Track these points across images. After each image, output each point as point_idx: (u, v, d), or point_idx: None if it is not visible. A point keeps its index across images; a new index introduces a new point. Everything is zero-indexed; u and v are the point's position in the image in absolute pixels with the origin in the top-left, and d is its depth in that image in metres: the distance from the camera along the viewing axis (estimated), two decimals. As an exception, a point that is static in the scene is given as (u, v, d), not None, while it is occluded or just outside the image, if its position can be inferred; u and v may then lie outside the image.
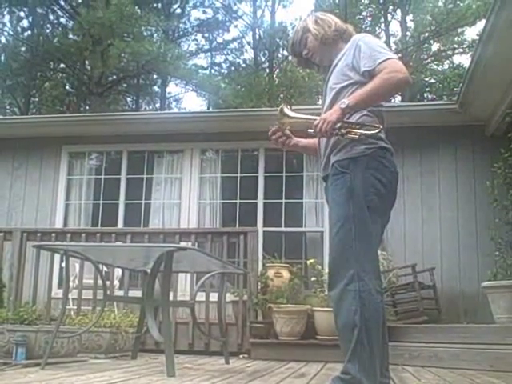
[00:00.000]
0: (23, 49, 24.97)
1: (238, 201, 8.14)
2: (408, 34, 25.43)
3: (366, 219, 2.45)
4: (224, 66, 28.32)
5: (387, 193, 2.53)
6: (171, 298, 5.25)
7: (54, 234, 6.39)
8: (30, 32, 25.58)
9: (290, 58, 27.58)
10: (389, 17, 26.22)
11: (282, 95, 23.68)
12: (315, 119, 2.60)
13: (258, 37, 27.03)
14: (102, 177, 8.62)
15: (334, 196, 2.55)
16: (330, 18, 2.85)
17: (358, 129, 2.53)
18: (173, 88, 29.36)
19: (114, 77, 25.22)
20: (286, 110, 2.74)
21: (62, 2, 24.96)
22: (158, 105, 27.22)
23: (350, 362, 2.34)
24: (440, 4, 24.38)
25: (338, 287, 2.42)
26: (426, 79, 25.16)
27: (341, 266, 2.43)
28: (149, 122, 8.49)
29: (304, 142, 2.93)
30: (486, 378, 4.00)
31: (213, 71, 27.73)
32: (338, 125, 2.51)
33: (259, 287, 6.21)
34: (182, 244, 5.90)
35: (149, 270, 4.24)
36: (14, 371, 3.66)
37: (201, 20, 26.94)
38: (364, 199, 2.45)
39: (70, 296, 6.08)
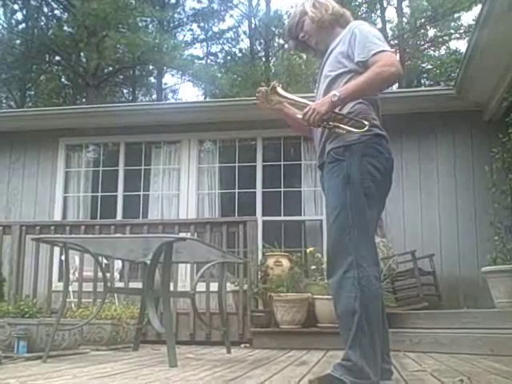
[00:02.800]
0: (18, 42, 24.84)
1: (236, 190, 8.14)
2: (404, 20, 25.34)
3: (363, 206, 2.45)
4: (220, 55, 28.25)
5: (383, 179, 2.53)
6: (171, 288, 5.26)
7: (53, 227, 6.38)
8: (24, 25, 25.48)
9: (285, 46, 27.50)
10: (384, 3, 26.09)
11: (278, 82, 23.56)
12: (305, 103, 2.59)
13: (253, 26, 26.93)
14: (100, 169, 8.61)
15: (331, 184, 2.55)
16: (328, 1, 2.85)
17: (347, 122, 2.53)
18: (169, 79, 29.34)
19: (110, 68, 25.10)
20: (279, 89, 2.74)
21: (56, -6, 24.83)
22: (154, 96, 27.14)
23: (350, 349, 2.34)
24: (436, -11, 24.29)
25: (337, 274, 2.42)
26: (423, 65, 25.12)
27: (339, 254, 2.44)
28: (146, 113, 8.47)
29: (294, 114, 2.83)
30: (487, 362, 4.01)
31: (209, 61, 27.66)
32: (327, 115, 2.51)
33: (259, 276, 6.22)
34: (182, 235, 5.90)
35: (149, 262, 4.24)
36: (16, 365, 3.66)
37: (196, 10, 26.80)
38: (361, 186, 2.45)
39: (70, 289, 6.09)
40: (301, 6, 2.88)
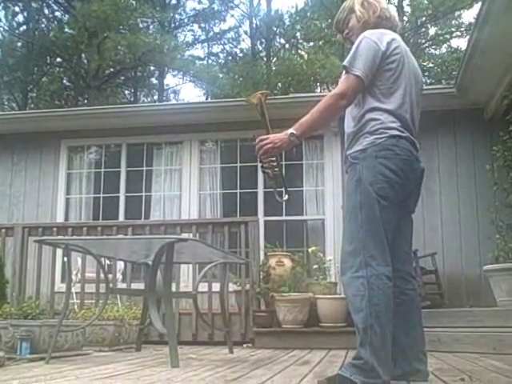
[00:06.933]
0: (19, 44, 24.90)
1: (238, 191, 8.14)
2: (405, 18, 25.32)
3: (373, 207, 2.44)
4: (221, 55, 28.22)
5: (400, 180, 2.49)
6: (173, 289, 5.26)
7: (55, 229, 6.40)
8: (25, 27, 25.51)
9: (286, 46, 27.52)
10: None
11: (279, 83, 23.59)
12: (268, 129, 2.80)
13: (254, 26, 26.92)
14: (102, 170, 8.61)
15: (347, 186, 2.60)
16: (378, 2, 2.78)
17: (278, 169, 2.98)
18: (170, 79, 29.37)
19: (111, 70, 25.13)
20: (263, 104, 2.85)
21: (57, -4, 24.87)
22: (155, 97, 27.16)
23: (361, 347, 2.34)
24: (436, -13, 24.26)
25: (348, 274, 2.45)
26: (424, 64, 25.06)
27: (350, 254, 2.47)
28: (147, 114, 8.47)
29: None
30: (489, 360, 4.02)
31: (210, 61, 27.65)
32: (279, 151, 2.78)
33: (261, 276, 6.23)
34: (183, 235, 5.91)
35: (151, 262, 4.25)
36: (19, 366, 3.68)
37: (197, 10, 26.81)
38: (372, 187, 2.45)
39: (73, 290, 6.10)
40: (350, 2, 2.82)
